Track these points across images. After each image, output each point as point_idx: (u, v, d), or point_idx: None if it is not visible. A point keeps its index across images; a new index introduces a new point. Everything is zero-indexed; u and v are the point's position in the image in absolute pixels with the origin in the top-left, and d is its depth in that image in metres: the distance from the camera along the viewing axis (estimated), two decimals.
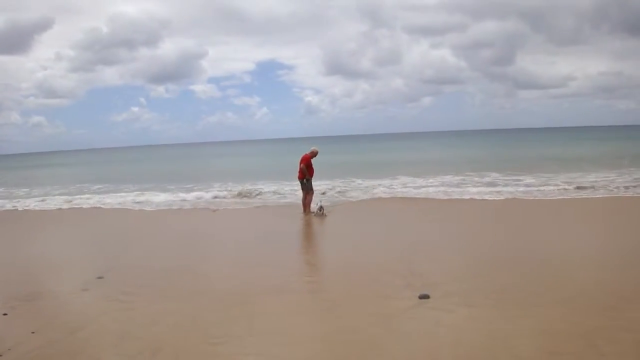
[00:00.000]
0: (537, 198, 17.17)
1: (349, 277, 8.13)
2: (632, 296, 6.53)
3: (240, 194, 20.67)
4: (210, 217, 16.31)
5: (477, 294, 6.83)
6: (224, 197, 20.49)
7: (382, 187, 21.32)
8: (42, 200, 22.05)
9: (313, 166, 15.76)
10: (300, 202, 15.97)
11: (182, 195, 21.21)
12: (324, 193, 15.89)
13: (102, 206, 19.75)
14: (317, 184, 16.82)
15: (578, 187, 18.77)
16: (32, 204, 21.16)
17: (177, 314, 6.57)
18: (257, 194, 20.76)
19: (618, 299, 6.42)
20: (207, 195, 20.93)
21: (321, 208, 15.03)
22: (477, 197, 18.04)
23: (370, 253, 10.01)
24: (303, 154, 15.84)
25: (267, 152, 70.04)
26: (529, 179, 21.45)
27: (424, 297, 6.68)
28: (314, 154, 15.80)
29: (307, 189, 15.62)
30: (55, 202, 21.48)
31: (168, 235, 13.17)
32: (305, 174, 15.48)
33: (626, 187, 18.32)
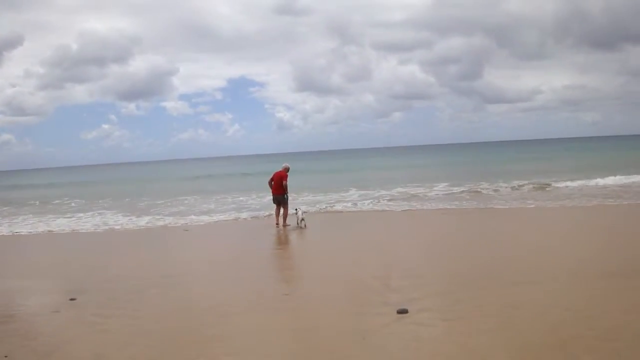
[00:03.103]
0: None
1: (325, 294, 8.08)
2: (607, 305, 6.62)
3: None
4: (183, 236, 16.12)
5: (455, 308, 6.84)
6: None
7: (343, 201, 22.68)
8: (12, 223, 21.50)
9: None
10: (272, 217, 16.53)
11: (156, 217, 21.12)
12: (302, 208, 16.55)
13: (74, 227, 19.42)
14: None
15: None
16: (5, 228, 20.52)
17: (152, 335, 6.45)
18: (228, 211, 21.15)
19: (593, 308, 6.51)
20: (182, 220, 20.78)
21: (302, 220, 15.41)
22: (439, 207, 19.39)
23: (345, 268, 9.99)
24: (276, 172, 16.35)
25: (240, 169, 69.43)
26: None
27: (403, 311, 6.67)
28: (287, 170, 16.25)
29: (285, 204, 16.03)
30: (26, 224, 21.00)
31: (140, 255, 12.96)
32: (286, 190, 15.98)
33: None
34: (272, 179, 16.30)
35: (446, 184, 26.77)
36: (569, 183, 24.05)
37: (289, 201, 16.16)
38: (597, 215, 16.47)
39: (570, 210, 17.52)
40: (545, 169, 35.02)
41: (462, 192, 23.46)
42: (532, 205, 18.58)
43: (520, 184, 24.78)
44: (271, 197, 16.48)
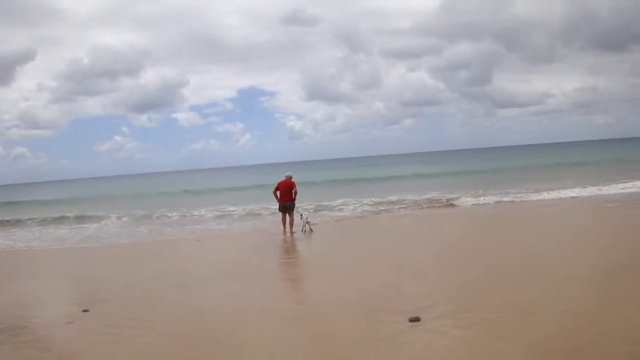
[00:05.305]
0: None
1: (336, 303, 8.02)
2: (623, 310, 6.51)
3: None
4: (195, 246, 16.16)
5: (467, 315, 6.77)
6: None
7: (349, 206, 23.35)
8: (20, 237, 21.68)
9: None
10: (278, 227, 16.87)
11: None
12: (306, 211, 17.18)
13: (82, 239, 19.52)
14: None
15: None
16: (13, 242, 20.67)
17: (165, 347, 6.45)
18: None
19: (609, 313, 6.41)
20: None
21: (307, 223, 15.99)
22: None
23: (353, 276, 9.96)
24: (281, 181, 16.80)
25: (253, 180, 69.44)
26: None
27: (415, 319, 6.62)
28: (291, 178, 16.82)
29: (291, 211, 16.50)
30: (42, 236, 21.24)
31: (153, 266, 12.94)
32: (295, 197, 16.56)
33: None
34: (277, 188, 16.68)
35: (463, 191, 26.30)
36: (585, 189, 23.49)
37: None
38: (612, 219, 16.23)
39: (583, 213, 17.35)
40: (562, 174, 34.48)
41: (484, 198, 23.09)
42: (543, 210, 18.40)
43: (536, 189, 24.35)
44: (277, 206, 16.84)
